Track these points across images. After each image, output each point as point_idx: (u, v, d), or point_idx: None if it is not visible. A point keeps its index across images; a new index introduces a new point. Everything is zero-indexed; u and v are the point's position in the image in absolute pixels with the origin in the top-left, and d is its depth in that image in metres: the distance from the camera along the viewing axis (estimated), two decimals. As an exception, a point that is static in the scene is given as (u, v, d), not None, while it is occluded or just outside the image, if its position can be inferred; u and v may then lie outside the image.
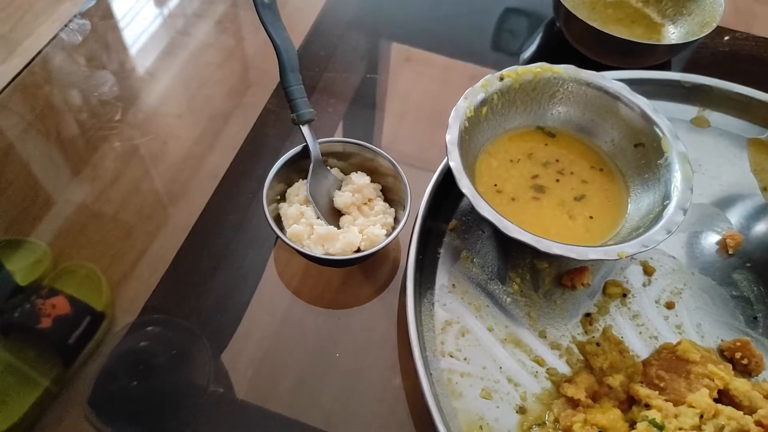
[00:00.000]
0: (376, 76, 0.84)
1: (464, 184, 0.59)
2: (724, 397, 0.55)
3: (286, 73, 0.64)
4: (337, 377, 0.60)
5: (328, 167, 0.67)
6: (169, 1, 0.94)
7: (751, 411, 0.54)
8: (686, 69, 0.88)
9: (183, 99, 0.81)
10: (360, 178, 0.65)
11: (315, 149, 0.64)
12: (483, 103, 0.67)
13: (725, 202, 0.72)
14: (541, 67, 0.69)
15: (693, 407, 0.53)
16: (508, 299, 0.64)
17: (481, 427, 0.56)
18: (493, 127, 0.70)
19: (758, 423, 0.51)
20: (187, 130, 0.77)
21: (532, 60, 0.77)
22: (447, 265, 0.65)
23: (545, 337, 0.62)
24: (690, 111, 0.79)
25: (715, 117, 0.78)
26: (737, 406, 0.54)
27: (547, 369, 0.60)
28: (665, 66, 0.87)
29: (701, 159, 0.75)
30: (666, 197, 0.62)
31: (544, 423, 0.56)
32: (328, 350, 0.61)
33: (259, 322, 0.63)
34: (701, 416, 0.52)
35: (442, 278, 0.64)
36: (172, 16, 0.92)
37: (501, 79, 0.68)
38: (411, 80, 0.85)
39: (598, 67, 0.76)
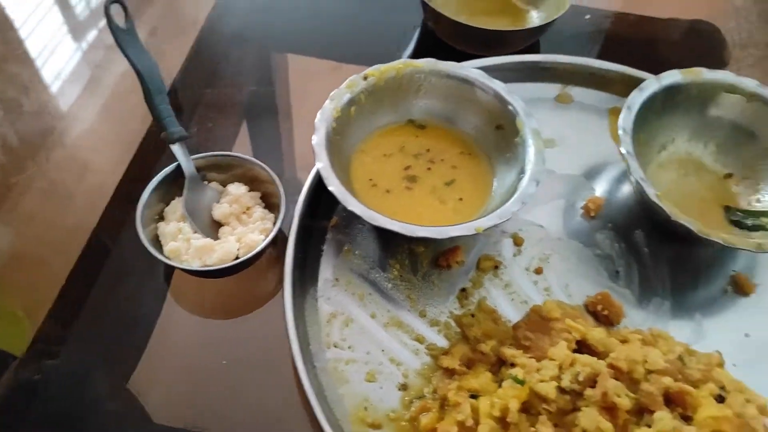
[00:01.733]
0: (259, 88, 0.87)
1: (331, 182, 0.63)
2: (584, 347, 0.60)
3: (152, 95, 0.66)
4: (234, 382, 0.62)
5: (207, 181, 0.70)
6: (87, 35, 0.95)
7: (608, 356, 0.59)
8: (554, 49, 0.94)
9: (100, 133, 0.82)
10: (236, 189, 0.68)
11: (188, 166, 0.67)
12: (350, 103, 0.70)
13: (588, 170, 0.77)
14: (403, 63, 0.73)
15: (553, 360, 0.57)
16: (389, 285, 0.67)
17: (365, 408, 0.59)
18: (365, 125, 0.74)
19: (610, 365, 0.56)
20: (105, 163, 0.79)
21: (412, 57, 0.82)
22: (330, 260, 0.69)
23: (425, 316, 0.66)
24: (553, 89, 0.84)
25: (577, 92, 0.84)
26: (596, 353, 0.59)
27: (427, 345, 0.64)
28: (534, 49, 0.93)
29: (566, 133, 0.80)
30: (522, 171, 0.67)
31: (424, 395, 0.60)
32: (224, 357, 0.64)
33: (160, 341, 0.65)
34: (560, 367, 0.57)
35: (325, 273, 0.68)
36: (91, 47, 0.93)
37: (365, 78, 0.72)
38: (296, 88, 0.89)
39: (470, 58, 0.81)
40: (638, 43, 0.96)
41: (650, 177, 0.74)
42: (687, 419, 0.54)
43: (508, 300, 0.67)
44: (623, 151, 0.67)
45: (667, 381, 0.55)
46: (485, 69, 0.79)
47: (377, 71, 0.72)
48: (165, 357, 0.64)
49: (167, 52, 0.89)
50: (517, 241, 0.71)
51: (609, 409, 0.54)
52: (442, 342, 0.64)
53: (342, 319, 0.65)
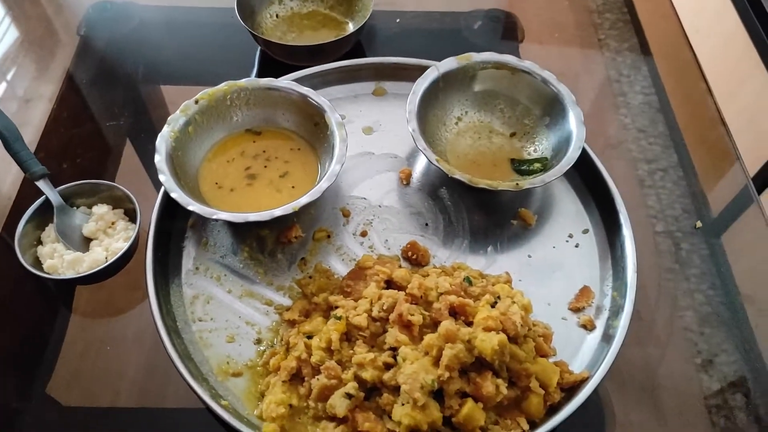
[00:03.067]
0: (119, 121, 1.00)
1: (172, 190, 0.77)
2: (392, 285, 0.76)
3: (10, 143, 0.79)
4: (120, 362, 0.75)
5: (76, 206, 0.83)
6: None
7: (408, 288, 0.75)
8: (375, 50, 1.11)
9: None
10: (99, 209, 0.81)
11: (54, 198, 0.80)
12: (187, 124, 0.84)
13: (402, 148, 0.94)
14: (228, 85, 0.87)
15: (366, 297, 0.73)
16: (241, 265, 0.82)
17: (228, 363, 0.74)
18: (206, 139, 0.88)
19: (407, 294, 0.72)
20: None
21: (258, 75, 1.00)
22: (191, 253, 0.82)
23: (272, 284, 0.80)
24: (370, 85, 1.00)
25: (389, 85, 1.01)
26: (401, 288, 0.75)
27: (275, 306, 0.78)
28: (359, 52, 1.09)
29: (383, 120, 0.97)
30: (332, 157, 0.82)
31: (274, 344, 0.75)
32: (108, 344, 0.76)
33: (57, 342, 0.77)
34: (371, 302, 0.72)
35: (187, 264, 0.81)
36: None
37: (197, 102, 0.86)
38: (154, 114, 1.02)
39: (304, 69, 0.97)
40: (445, 34, 1.14)
41: (451, 144, 0.92)
42: (470, 325, 0.71)
43: (339, 260, 0.83)
44: (410, 129, 0.84)
45: (452, 298, 0.71)
46: (313, 77, 0.97)
47: (206, 95, 0.86)
48: (66, 353, 0.76)
49: (38, 97, 1.01)
50: (345, 213, 0.87)
51: (407, 326, 0.69)
52: (287, 302, 0.79)
53: (203, 298, 0.78)
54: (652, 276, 0.86)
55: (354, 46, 1.07)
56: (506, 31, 1.17)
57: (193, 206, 0.76)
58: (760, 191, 1.25)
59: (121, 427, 0.73)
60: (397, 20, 1.15)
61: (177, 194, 0.76)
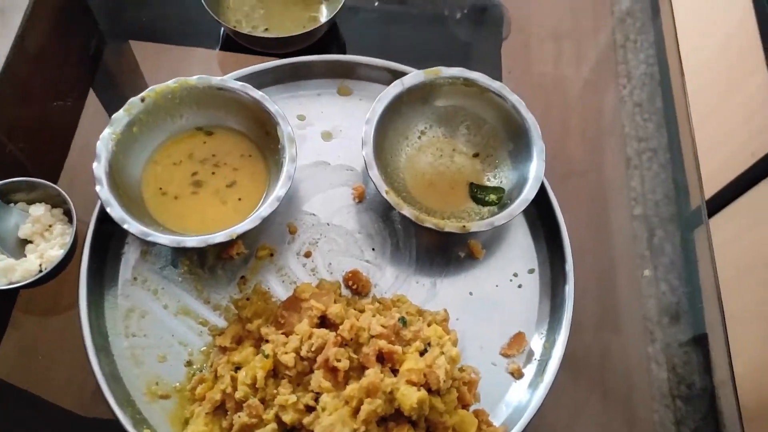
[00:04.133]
0: (65, 103, 0.95)
1: (107, 201, 0.74)
2: (326, 320, 0.76)
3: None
4: (43, 375, 0.76)
5: (12, 203, 0.80)
6: None
7: (341, 327, 0.75)
8: (349, 36, 1.04)
9: None
10: (36, 210, 0.79)
11: (-13, 195, 0.77)
12: (130, 124, 0.80)
13: (357, 159, 0.90)
14: (178, 83, 0.82)
15: (297, 334, 0.73)
16: (180, 279, 0.81)
17: (157, 383, 0.75)
18: (152, 139, 0.84)
19: (337, 335, 0.72)
20: None
21: (224, 65, 0.97)
22: (130, 262, 0.81)
23: (209, 302, 0.80)
24: (335, 83, 0.95)
25: (355, 85, 0.95)
26: (335, 325, 0.75)
27: (210, 327, 0.78)
28: (330, 44, 1.02)
29: (345, 124, 0.92)
30: (279, 176, 0.79)
31: (203, 368, 0.76)
32: (40, 354, 0.77)
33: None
34: (302, 340, 0.72)
35: (125, 274, 0.81)
36: None
37: (143, 100, 0.81)
38: (103, 97, 0.97)
39: (270, 56, 0.92)
40: (425, 20, 1.07)
41: (410, 159, 0.89)
42: (396, 372, 0.71)
43: (279, 282, 0.82)
44: (363, 153, 0.80)
45: (381, 343, 0.71)
46: (276, 70, 0.91)
47: (153, 92, 0.81)
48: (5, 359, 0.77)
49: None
50: (292, 230, 0.85)
51: (332, 370, 0.70)
52: (222, 323, 0.79)
53: (139, 312, 0.78)
54: (622, 260, 0.86)
55: (327, 31, 1.00)
56: (492, 22, 1.09)
57: (128, 224, 0.73)
58: (745, 189, 1.24)
59: (52, 433, 0.75)
60: (376, 3, 1.06)
61: (113, 209, 0.74)
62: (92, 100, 0.96)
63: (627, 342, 0.84)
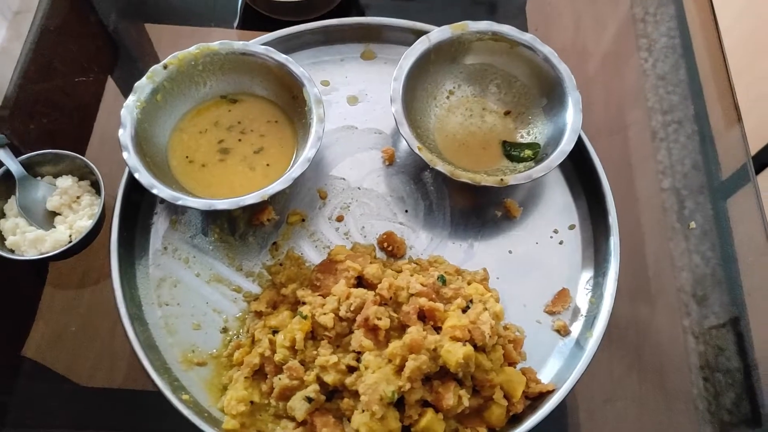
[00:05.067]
0: (89, 77, 0.94)
1: (137, 170, 0.73)
2: (363, 281, 0.73)
3: (-36, 110, 0.74)
4: (85, 344, 0.75)
5: (40, 177, 0.79)
6: None
7: (379, 287, 0.72)
8: (365, 9, 1.01)
9: None
10: (64, 181, 0.77)
11: (16, 168, 0.76)
12: (154, 92, 0.78)
13: (387, 123, 0.88)
14: (200, 48, 0.81)
15: (334, 295, 0.71)
16: (211, 247, 0.79)
17: (193, 351, 0.73)
18: (177, 107, 0.82)
19: (377, 294, 0.70)
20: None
21: (244, 29, 0.96)
22: (160, 232, 0.80)
23: (241, 269, 0.78)
24: (358, 48, 0.93)
25: (379, 48, 0.93)
26: (372, 285, 0.72)
27: (244, 293, 0.76)
28: (350, 10, 1.00)
29: (370, 88, 0.90)
30: (308, 137, 0.77)
31: (240, 335, 0.74)
32: (73, 324, 0.76)
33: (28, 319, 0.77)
34: (339, 300, 0.70)
35: (155, 243, 0.79)
36: None
37: (165, 67, 0.79)
38: (126, 67, 0.96)
39: (288, 24, 0.90)
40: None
41: (440, 121, 0.87)
42: (439, 330, 0.69)
43: (312, 247, 0.80)
44: (393, 110, 0.78)
45: (422, 301, 0.69)
46: (297, 36, 0.90)
47: (176, 59, 0.79)
48: (36, 330, 0.76)
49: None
50: (322, 195, 0.83)
51: (372, 329, 0.68)
52: (256, 290, 0.77)
53: (171, 281, 0.77)
54: (652, 233, 0.84)
55: (345, -3, 0.98)
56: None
57: (157, 189, 0.72)
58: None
59: (85, 407, 0.73)
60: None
61: (141, 175, 0.72)
62: (114, 76, 0.95)
63: (662, 314, 0.81)
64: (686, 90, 1.00)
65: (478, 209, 0.83)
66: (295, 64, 0.80)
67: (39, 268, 0.79)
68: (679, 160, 0.93)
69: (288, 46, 0.89)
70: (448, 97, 0.88)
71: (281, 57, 0.80)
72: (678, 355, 0.79)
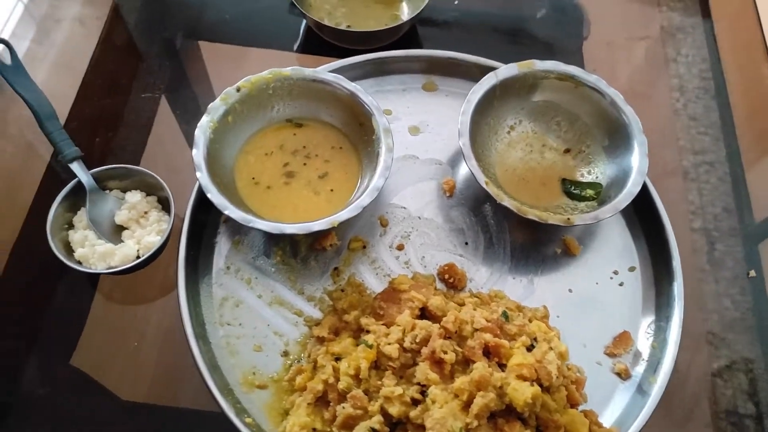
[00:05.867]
0: (154, 94, 0.95)
1: (209, 190, 0.73)
2: (427, 312, 0.73)
3: (42, 122, 0.75)
4: (145, 361, 0.75)
5: (108, 190, 0.80)
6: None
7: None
8: (430, 37, 1.03)
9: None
10: (133, 196, 0.78)
11: (88, 181, 0.77)
12: (226, 113, 0.80)
13: (448, 154, 0.89)
14: (272, 73, 0.82)
15: (399, 325, 0.71)
16: (273, 269, 0.79)
17: (254, 373, 0.73)
18: (245, 129, 0.83)
19: (442, 327, 0.70)
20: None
21: (305, 52, 0.98)
22: (222, 251, 0.80)
23: (303, 293, 0.78)
24: (421, 79, 0.94)
25: (442, 81, 0.94)
26: (435, 317, 0.72)
27: (305, 318, 0.77)
28: (411, 37, 1.02)
29: (431, 119, 0.91)
30: (376, 166, 0.78)
31: (300, 359, 0.74)
32: (136, 340, 0.76)
33: (88, 331, 0.77)
34: (404, 331, 0.70)
35: (218, 263, 0.79)
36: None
37: (238, 90, 0.81)
38: (192, 85, 0.97)
39: (350, 53, 0.91)
40: (506, 21, 1.06)
41: (500, 155, 0.88)
42: (503, 367, 0.69)
43: (373, 274, 0.80)
44: (461, 143, 0.78)
45: (487, 337, 0.69)
46: (361, 65, 0.90)
47: (248, 83, 0.81)
48: (93, 342, 0.76)
49: (67, 66, 0.97)
50: (383, 223, 0.83)
51: (438, 362, 0.68)
52: (317, 314, 0.77)
53: (233, 301, 0.77)
54: (682, 273, 0.82)
55: (408, 29, 1.00)
56: (571, 23, 1.08)
57: (229, 210, 0.73)
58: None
59: (141, 422, 0.73)
60: (456, 2, 1.06)
61: (213, 196, 0.73)
62: (177, 95, 0.96)
63: (689, 356, 0.81)
64: (719, 132, 1.01)
65: (538, 245, 0.83)
66: (365, 93, 0.81)
67: (95, 280, 0.80)
68: (710, 201, 0.94)
69: (353, 74, 0.90)
70: (509, 132, 0.88)
71: (351, 86, 0.82)
72: (705, 398, 0.79)
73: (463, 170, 0.88)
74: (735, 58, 1.08)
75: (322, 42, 0.99)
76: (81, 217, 0.77)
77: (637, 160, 0.79)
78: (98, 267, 0.74)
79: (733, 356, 0.82)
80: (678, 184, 0.94)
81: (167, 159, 0.89)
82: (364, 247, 0.82)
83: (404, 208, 0.84)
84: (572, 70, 0.84)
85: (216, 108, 0.79)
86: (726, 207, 0.93)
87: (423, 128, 0.90)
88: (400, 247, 0.82)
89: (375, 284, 0.79)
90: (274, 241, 0.81)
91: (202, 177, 0.74)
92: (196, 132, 0.77)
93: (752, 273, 0.86)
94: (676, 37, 1.10)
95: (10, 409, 0.73)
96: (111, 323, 0.78)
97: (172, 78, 0.98)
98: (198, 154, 0.75)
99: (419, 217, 0.84)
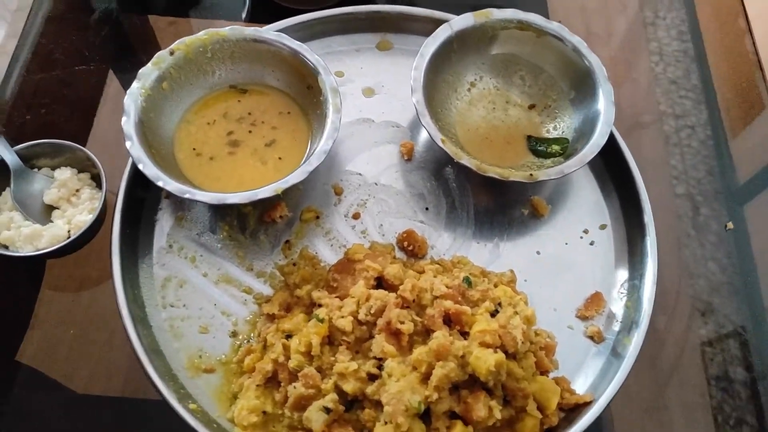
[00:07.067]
0: (89, 66, 0.89)
1: (138, 158, 0.68)
2: (384, 282, 0.68)
3: (-45, 97, 0.69)
4: (81, 349, 0.70)
5: (37, 168, 0.74)
6: None
7: (400, 288, 0.67)
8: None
9: None
10: (62, 173, 0.72)
11: (11, 159, 0.71)
12: (160, 79, 0.73)
13: (405, 116, 0.83)
14: (208, 34, 0.76)
15: (353, 297, 0.66)
16: (219, 246, 0.74)
17: (200, 356, 0.68)
18: (184, 97, 0.77)
19: (399, 296, 0.65)
20: None
21: (254, 21, 0.91)
22: (164, 229, 0.74)
23: (252, 269, 0.73)
24: (374, 38, 0.88)
25: (396, 39, 0.88)
26: (393, 287, 0.67)
27: (254, 295, 0.71)
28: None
29: (386, 80, 0.85)
30: (324, 128, 0.72)
31: (250, 339, 0.69)
32: (71, 328, 0.70)
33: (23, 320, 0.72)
34: (358, 303, 0.65)
35: (160, 241, 0.74)
36: None
37: (172, 53, 0.74)
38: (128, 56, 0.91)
39: (301, 12, 0.86)
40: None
41: (461, 114, 0.82)
42: (466, 336, 0.64)
43: (328, 246, 0.75)
44: (414, 100, 0.73)
45: (447, 304, 0.64)
46: (310, 25, 0.85)
47: (183, 45, 0.74)
48: (33, 333, 0.71)
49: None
50: (337, 191, 0.78)
51: (395, 334, 0.62)
52: (268, 291, 0.72)
53: (176, 281, 0.71)
54: (667, 240, 0.80)
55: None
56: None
57: (163, 182, 0.67)
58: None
59: (84, 416, 0.68)
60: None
61: (145, 166, 0.67)
62: (116, 67, 0.90)
63: (677, 323, 0.77)
64: (700, 95, 0.97)
65: (504, 207, 0.78)
66: (310, 51, 0.75)
67: (35, 267, 0.74)
68: (692, 165, 0.90)
69: (300, 35, 0.84)
70: (469, 90, 0.83)
71: (295, 44, 0.76)
72: (695, 365, 0.75)
73: (423, 133, 0.82)
74: (713, 17, 1.04)
75: (271, 7, 0.92)
76: (6, 198, 0.71)
77: (603, 109, 0.74)
78: (25, 250, 0.68)
79: (721, 321, 0.78)
80: (659, 149, 0.90)
81: (108, 134, 0.83)
82: (318, 217, 0.76)
83: (360, 174, 0.79)
84: (533, 18, 0.78)
85: (147, 73, 0.73)
86: (709, 170, 0.90)
87: (378, 90, 0.85)
88: (356, 216, 0.77)
89: (330, 257, 0.74)
90: (220, 215, 0.75)
91: (133, 147, 0.68)
92: (125, 100, 0.71)
93: (730, 225, 0.81)
94: (653, 0, 1.06)
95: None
96: (50, 312, 0.72)
97: (108, 51, 0.91)
98: (128, 122, 0.69)
99: (376, 184, 0.79)
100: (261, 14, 0.95)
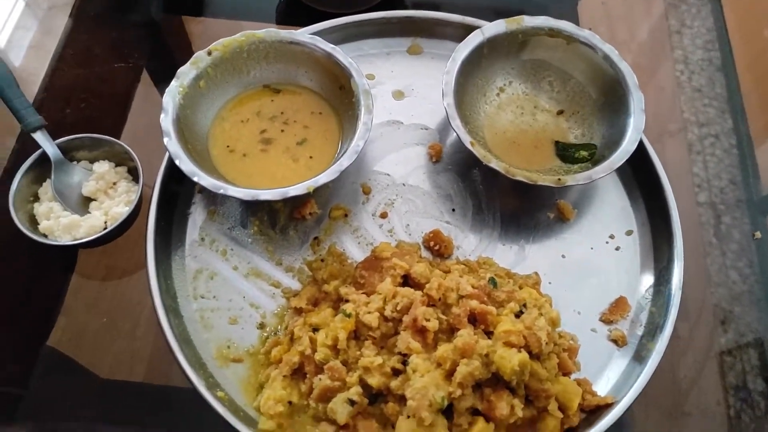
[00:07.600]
0: (128, 63, 0.91)
1: (178, 156, 0.70)
2: (410, 280, 0.69)
3: (3, 90, 0.71)
4: (114, 335, 0.72)
5: (75, 161, 0.76)
6: None
7: (426, 287, 0.68)
8: (406, 4, 0.98)
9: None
10: (100, 167, 0.75)
11: (53, 151, 0.73)
12: (197, 78, 0.76)
13: (434, 118, 0.84)
14: (245, 36, 0.78)
15: (379, 294, 0.67)
16: (250, 240, 0.76)
17: (228, 347, 0.69)
18: (219, 95, 0.79)
19: (425, 294, 0.66)
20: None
21: (286, 23, 0.93)
22: (197, 222, 0.77)
23: (281, 264, 0.74)
24: (405, 42, 0.90)
25: (427, 43, 0.90)
26: (419, 285, 0.68)
27: (283, 289, 0.73)
28: (395, 3, 0.97)
29: (416, 83, 0.87)
30: (355, 129, 0.74)
31: (277, 332, 0.70)
32: (104, 315, 0.73)
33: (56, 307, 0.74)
34: (385, 299, 0.66)
35: (192, 234, 0.76)
36: None
37: (209, 53, 0.77)
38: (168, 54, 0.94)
39: (333, 17, 0.87)
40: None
41: (490, 118, 0.83)
42: (490, 335, 0.64)
43: (355, 244, 0.76)
44: (444, 103, 0.74)
45: (473, 303, 0.64)
46: (342, 28, 0.87)
47: (221, 45, 0.77)
48: (66, 320, 0.73)
49: (42, 31, 0.93)
50: (365, 190, 0.79)
51: (420, 331, 0.63)
52: (296, 285, 0.73)
53: (207, 273, 0.73)
54: (688, 248, 0.78)
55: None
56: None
57: (198, 177, 0.69)
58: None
59: (114, 400, 0.70)
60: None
61: (182, 162, 0.69)
62: (153, 66, 0.92)
63: (697, 330, 0.77)
64: (724, 104, 0.96)
65: (530, 210, 0.79)
66: (343, 54, 0.77)
67: (70, 256, 0.77)
68: (715, 174, 0.90)
69: (333, 38, 0.86)
70: (498, 94, 0.84)
71: (328, 46, 0.78)
72: (713, 373, 0.75)
73: (451, 135, 0.83)
74: (740, 27, 1.04)
75: (303, 10, 0.94)
76: (46, 189, 0.74)
77: (633, 117, 0.75)
78: (63, 239, 0.70)
79: (741, 330, 0.77)
80: (683, 157, 0.90)
81: (142, 130, 0.85)
82: (346, 215, 0.78)
83: (388, 174, 0.80)
84: (564, 25, 0.79)
85: (186, 72, 0.75)
86: (732, 179, 0.89)
87: (408, 92, 0.86)
88: (384, 215, 0.78)
89: (357, 254, 0.75)
90: (252, 210, 0.77)
91: (170, 143, 0.70)
92: (164, 97, 0.73)
93: (757, 234, 0.81)
94: (679, 9, 1.06)
95: None
96: (82, 300, 0.74)
97: (146, 49, 0.94)
98: (166, 119, 0.72)
99: (404, 184, 0.80)
100: (294, 17, 0.97)
